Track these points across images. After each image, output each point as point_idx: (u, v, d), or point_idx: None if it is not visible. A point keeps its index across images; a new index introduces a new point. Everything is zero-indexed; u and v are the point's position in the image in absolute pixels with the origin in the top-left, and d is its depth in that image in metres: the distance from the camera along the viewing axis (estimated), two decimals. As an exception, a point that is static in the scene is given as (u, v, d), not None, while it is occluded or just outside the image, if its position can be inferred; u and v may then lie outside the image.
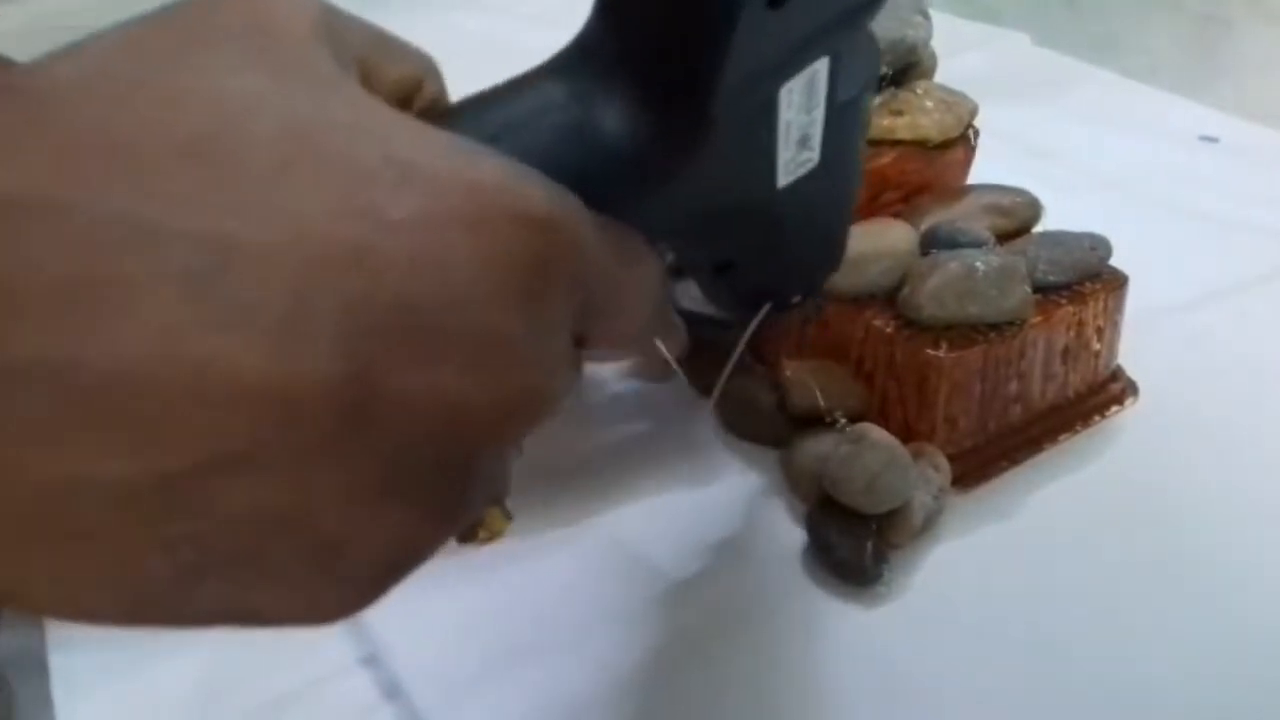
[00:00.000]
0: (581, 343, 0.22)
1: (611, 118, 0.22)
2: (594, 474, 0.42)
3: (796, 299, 0.35)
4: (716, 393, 0.39)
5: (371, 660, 0.35)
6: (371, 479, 0.17)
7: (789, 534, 0.39)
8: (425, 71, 0.22)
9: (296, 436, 0.16)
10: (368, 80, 0.20)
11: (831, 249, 0.35)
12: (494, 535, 0.24)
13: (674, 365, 0.35)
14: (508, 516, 0.24)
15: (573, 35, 0.23)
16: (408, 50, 0.22)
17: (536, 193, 0.18)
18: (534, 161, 0.20)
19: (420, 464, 0.18)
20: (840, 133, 0.27)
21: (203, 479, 0.16)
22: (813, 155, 0.27)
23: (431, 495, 0.18)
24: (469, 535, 0.23)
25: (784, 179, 0.27)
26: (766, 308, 0.34)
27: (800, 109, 0.25)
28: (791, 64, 0.24)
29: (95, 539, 0.16)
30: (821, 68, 0.24)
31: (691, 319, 0.37)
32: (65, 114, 0.16)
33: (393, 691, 0.34)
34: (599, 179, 0.21)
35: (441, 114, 0.22)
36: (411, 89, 0.22)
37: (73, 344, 0.15)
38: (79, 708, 0.33)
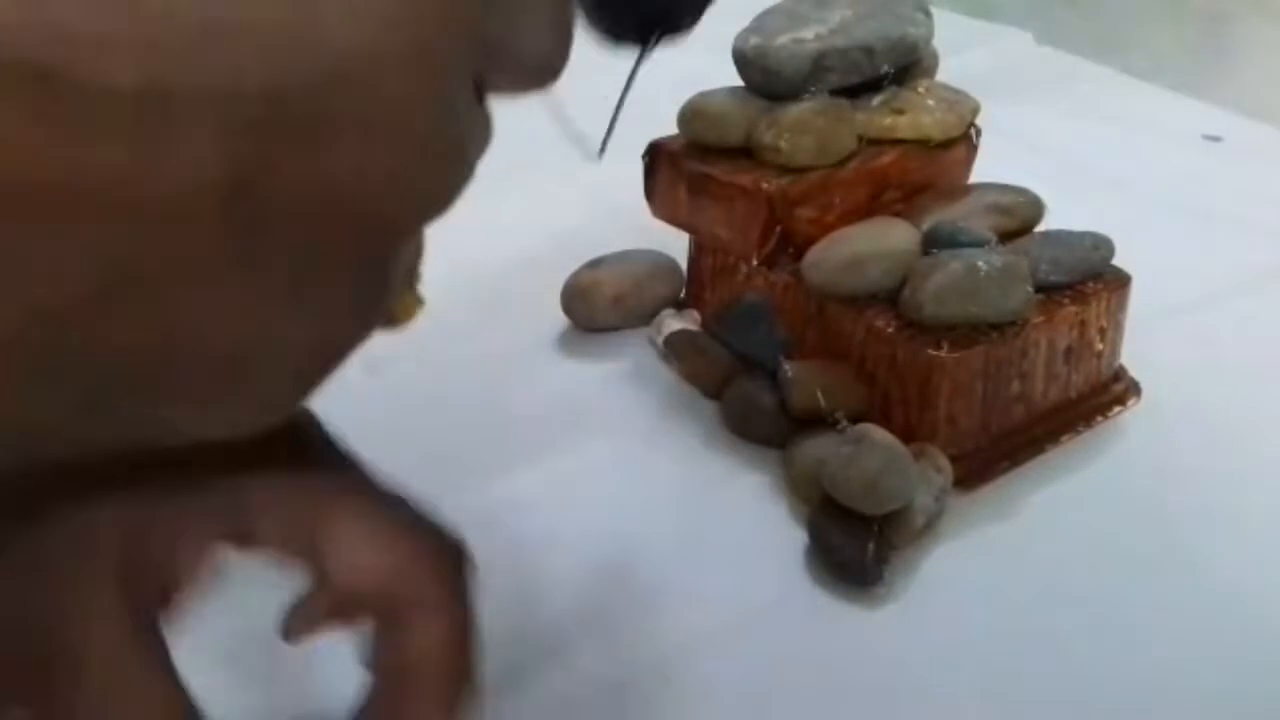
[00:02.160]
0: (480, 88, 0.19)
1: None
2: (594, 474, 0.42)
3: (687, 21, 0.33)
4: (606, 138, 0.38)
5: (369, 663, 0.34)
6: (275, 284, 0.16)
7: (790, 535, 0.38)
8: None
9: (182, 250, 0.14)
10: None
11: None
12: (403, 320, 0.22)
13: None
14: (420, 300, 0.22)
15: None
16: None
17: None
18: None
19: (329, 260, 0.16)
20: None
21: (87, 310, 0.14)
22: None
23: (347, 292, 0.17)
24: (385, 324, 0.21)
25: None
26: (657, 35, 0.33)
27: None
28: None
29: None
30: None
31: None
32: None
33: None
34: None
35: None
36: None
37: None
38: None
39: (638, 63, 0.33)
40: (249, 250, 0.15)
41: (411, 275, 0.21)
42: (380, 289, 0.17)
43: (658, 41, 0.33)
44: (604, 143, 0.39)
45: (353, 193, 0.16)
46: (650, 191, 0.46)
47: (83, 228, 0.14)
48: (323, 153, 0.15)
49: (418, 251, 0.20)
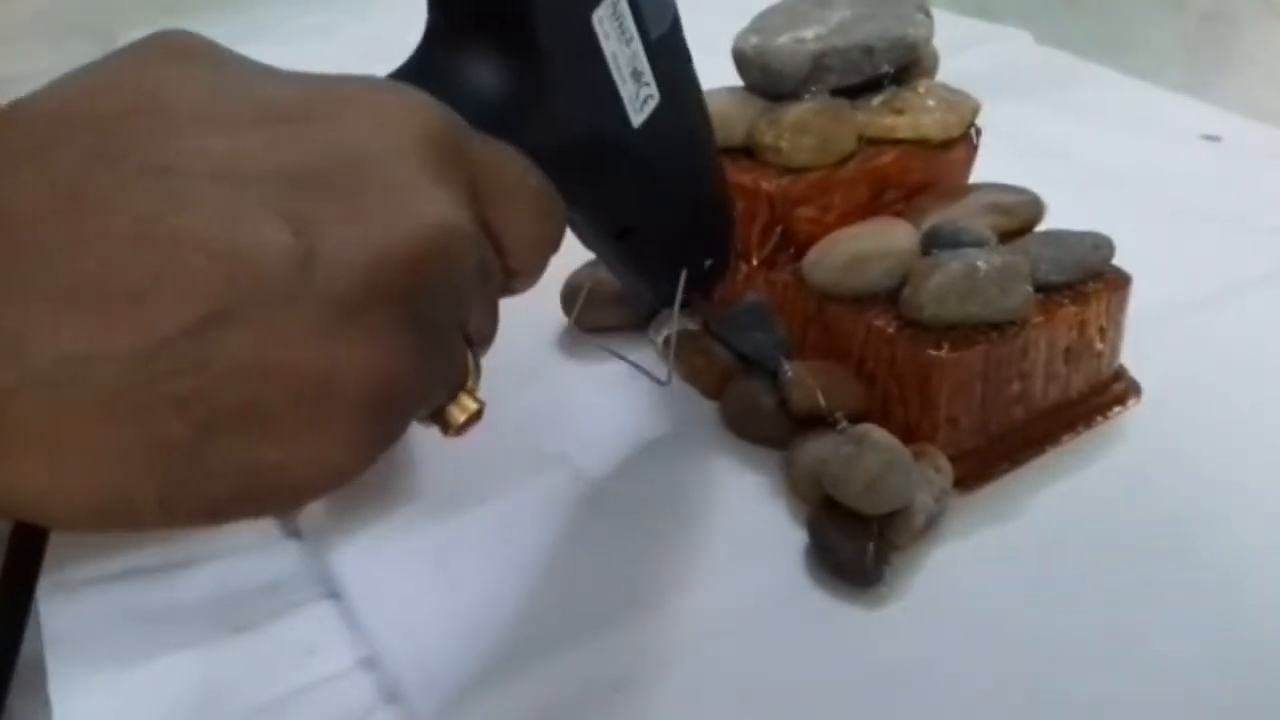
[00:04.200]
0: (493, 235, 0.26)
1: (469, 76, 0.27)
2: (595, 475, 0.42)
3: (709, 263, 0.39)
4: (670, 365, 0.43)
5: (370, 663, 0.34)
6: (332, 316, 0.20)
7: (790, 535, 0.38)
8: None
9: (263, 290, 0.19)
10: None
11: (718, 201, 0.39)
12: (471, 417, 0.25)
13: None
14: (477, 402, 0.25)
15: None
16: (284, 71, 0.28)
17: (418, 93, 0.24)
18: None
19: (368, 299, 0.21)
20: (668, 66, 0.32)
21: (196, 336, 0.19)
22: (652, 90, 0.31)
23: (385, 328, 0.21)
24: (444, 424, 0.25)
25: (635, 116, 0.31)
26: (685, 274, 0.38)
27: (617, 40, 0.30)
28: None
29: (117, 408, 0.18)
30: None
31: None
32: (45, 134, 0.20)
33: (391, 695, 0.33)
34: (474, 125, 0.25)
35: None
36: None
37: (67, 247, 0.18)
38: (76, 709, 0.33)
39: (678, 304, 0.39)
40: (307, 287, 0.20)
41: (466, 381, 0.25)
42: (411, 328, 0.22)
43: (688, 287, 0.39)
44: (669, 371, 0.43)
45: (375, 240, 0.21)
46: (650, 191, 0.46)
47: (188, 271, 0.19)
48: (356, 215, 0.21)
49: (473, 360, 0.26)
